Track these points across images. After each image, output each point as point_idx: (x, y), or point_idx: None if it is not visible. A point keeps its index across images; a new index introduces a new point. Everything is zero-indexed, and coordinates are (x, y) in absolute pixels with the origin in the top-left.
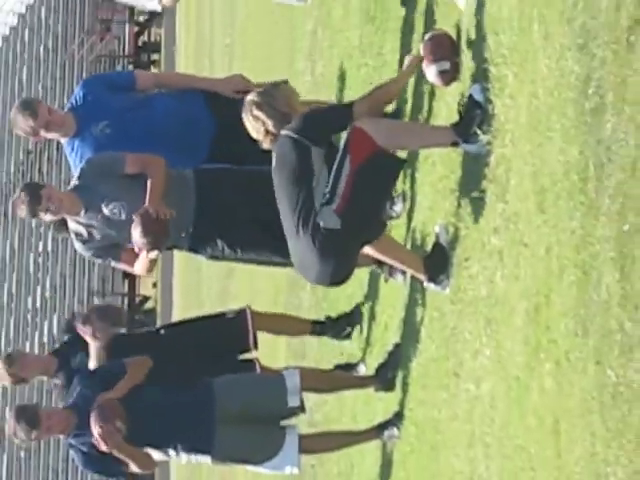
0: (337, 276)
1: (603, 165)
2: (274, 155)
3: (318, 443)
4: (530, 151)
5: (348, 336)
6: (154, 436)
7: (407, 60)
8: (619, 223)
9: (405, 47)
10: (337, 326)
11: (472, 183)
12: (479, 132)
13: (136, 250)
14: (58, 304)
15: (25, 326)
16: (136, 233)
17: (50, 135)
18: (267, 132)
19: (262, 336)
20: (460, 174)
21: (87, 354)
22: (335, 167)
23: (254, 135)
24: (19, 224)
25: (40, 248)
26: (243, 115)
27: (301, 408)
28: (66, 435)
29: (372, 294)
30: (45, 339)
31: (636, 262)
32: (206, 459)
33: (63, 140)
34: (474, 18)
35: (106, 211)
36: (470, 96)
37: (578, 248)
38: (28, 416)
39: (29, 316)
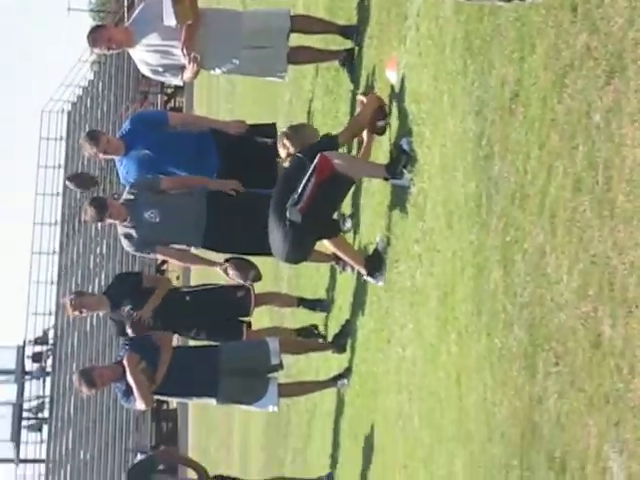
0: (295, 256)
1: (492, 195)
2: (285, 168)
3: (292, 389)
4: (441, 185)
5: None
6: (175, 387)
7: (366, 99)
8: (503, 236)
9: (353, 111)
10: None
11: (400, 207)
12: (405, 171)
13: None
14: None
15: None
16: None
17: (107, 157)
18: (289, 154)
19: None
20: (392, 201)
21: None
22: (305, 180)
23: (282, 154)
24: (83, 235)
25: (98, 251)
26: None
27: (280, 365)
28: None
29: (331, 284)
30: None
31: (515, 264)
32: (212, 401)
33: (116, 158)
34: (402, 91)
35: (145, 216)
36: (400, 145)
37: (475, 253)
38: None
39: None
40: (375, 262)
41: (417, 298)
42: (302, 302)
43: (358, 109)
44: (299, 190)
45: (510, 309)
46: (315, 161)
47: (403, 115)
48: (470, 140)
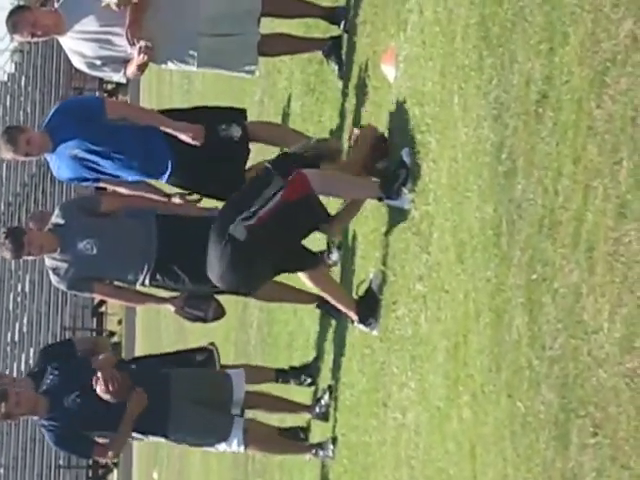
0: (233, 279)
1: (514, 222)
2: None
3: (263, 443)
4: (450, 208)
5: (312, 384)
6: (112, 421)
7: (360, 133)
8: (528, 273)
9: (342, 115)
10: (299, 375)
11: (399, 236)
12: (404, 190)
13: None
14: (34, 338)
15: (5, 357)
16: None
17: (32, 158)
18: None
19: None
20: (389, 227)
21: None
22: (268, 195)
23: None
24: (0, 268)
25: (19, 289)
26: None
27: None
28: (39, 418)
29: (311, 332)
30: (22, 368)
31: (543, 307)
32: (161, 440)
33: (47, 155)
34: (402, 91)
35: (80, 246)
36: (399, 157)
37: (492, 294)
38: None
39: (8, 349)
40: (368, 305)
41: (421, 350)
42: (282, 375)
43: (348, 147)
44: (256, 205)
45: (537, 365)
46: (289, 177)
47: (403, 121)
48: (487, 152)
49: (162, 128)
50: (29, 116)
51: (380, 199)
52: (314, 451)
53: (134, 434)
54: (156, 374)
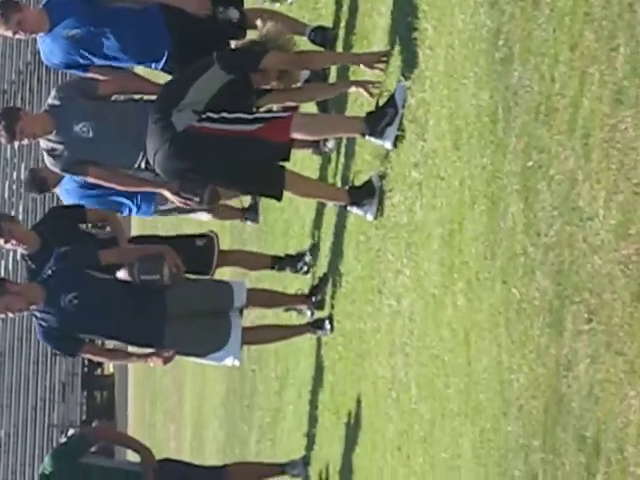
0: (167, 170)
1: (510, 108)
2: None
3: (258, 334)
4: (447, 95)
5: (307, 272)
6: (107, 327)
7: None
8: (524, 160)
9: (337, 1)
10: (295, 262)
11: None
12: (389, 129)
13: None
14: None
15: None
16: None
17: (23, 36)
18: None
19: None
20: None
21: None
22: (243, 115)
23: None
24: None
25: (15, 177)
26: None
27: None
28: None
29: (306, 220)
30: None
31: (538, 194)
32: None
33: (38, 36)
34: None
35: (76, 129)
36: (392, 94)
37: (488, 181)
38: None
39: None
40: (365, 190)
41: (416, 237)
42: (279, 262)
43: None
44: (227, 112)
45: (532, 251)
46: (277, 113)
47: (399, 8)
48: (483, 39)
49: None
50: None
51: (363, 134)
52: (311, 329)
53: (129, 346)
54: (152, 290)
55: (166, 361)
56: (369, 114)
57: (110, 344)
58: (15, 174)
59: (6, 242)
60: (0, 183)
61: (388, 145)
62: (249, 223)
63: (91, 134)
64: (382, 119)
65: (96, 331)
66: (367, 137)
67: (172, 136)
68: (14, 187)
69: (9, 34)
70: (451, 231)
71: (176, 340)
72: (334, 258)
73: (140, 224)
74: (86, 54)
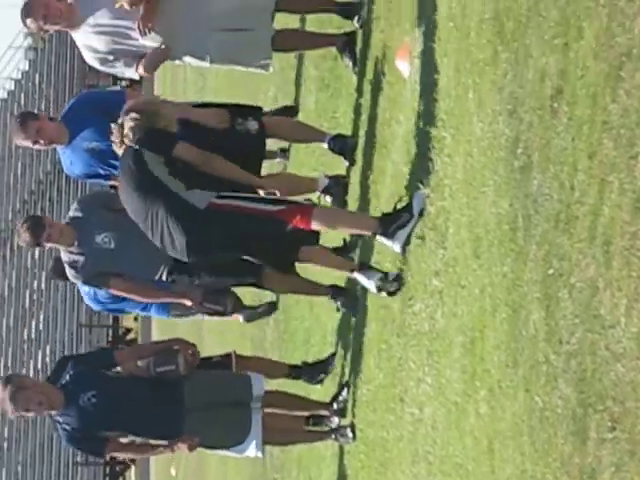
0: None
1: (530, 216)
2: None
3: (278, 434)
4: (466, 203)
5: (321, 382)
6: (127, 422)
7: None
8: (544, 268)
9: (356, 111)
10: (312, 372)
11: (415, 231)
12: (401, 232)
13: None
14: (50, 336)
15: (21, 355)
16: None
17: (42, 147)
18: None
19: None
20: None
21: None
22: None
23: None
24: (17, 264)
25: (35, 286)
26: None
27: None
28: (55, 412)
29: (327, 328)
30: (39, 366)
31: (560, 302)
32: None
33: (58, 147)
34: (417, 86)
35: (98, 239)
36: (410, 200)
37: (509, 289)
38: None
39: (25, 346)
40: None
41: (437, 345)
42: (295, 371)
43: None
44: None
45: (554, 359)
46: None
47: (417, 116)
48: (502, 147)
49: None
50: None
51: (375, 234)
52: (333, 437)
53: (149, 439)
54: (169, 382)
55: (191, 448)
56: (384, 215)
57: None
58: (36, 283)
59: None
60: (22, 288)
61: (397, 248)
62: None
63: (113, 245)
64: (395, 221)
65: (116, 427)
66: (378, 236)
67: (195, 215)
68: (34, 297)
69: (29, 144)
70: (473, 339)
71: (196, 433)
72: (355, 366)
73: (161, 325)
74: (106, 166)
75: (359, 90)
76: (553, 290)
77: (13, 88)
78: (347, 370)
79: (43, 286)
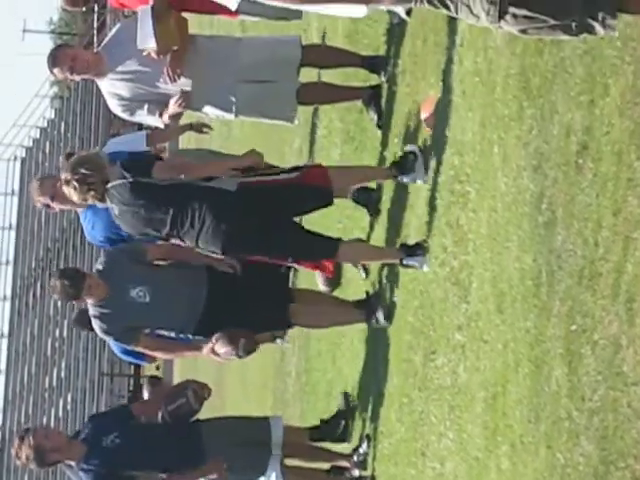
0: (219, 237)
1: (554, 272)
2: None
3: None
4: (490, 258)
5: (344, 433)
6: (149, 462)
7: None
8: (568, 324)
9: (381, 164)
10: (332, 427)
11: (438, 285)
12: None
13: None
14: (72, 384)
15: (42, 403)
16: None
17: (63, 207)
18: None
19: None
20: (428, 277)
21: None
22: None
23: None
24: (39, 312)
25: (57, 334)
26: None
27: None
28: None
29: (349, 380)
30: (60, 414)
31: (582, 358)
32: None
33: (79, 210)
34: (441, 140)
35: (132, 293)
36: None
37: (532, 345)
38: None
39: (46, 394)
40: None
41: (459, 400)
42: (315, 433)
43: None
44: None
45: (576, 416)
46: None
47: (442, 171)
48: (526, 203)
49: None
50: None
51: (401, 260)
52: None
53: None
54: (187, 428)
55: (221, 473)
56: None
57: None
58: (58, 331)
59: None
60: (44, 336)
61: (423, 266)
62: (278, 342)
63: (147, 299)
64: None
65: (139, 467)
66: (405, 259)
67: (230, 197)
68: (56, 345)
69: (47, 201)
70: (495, 394)
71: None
72: (377, 419)
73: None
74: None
75: (384, 143)
76: (576, 346)
77: (38, 136)
78: (368, 423)
79: (65, 334)
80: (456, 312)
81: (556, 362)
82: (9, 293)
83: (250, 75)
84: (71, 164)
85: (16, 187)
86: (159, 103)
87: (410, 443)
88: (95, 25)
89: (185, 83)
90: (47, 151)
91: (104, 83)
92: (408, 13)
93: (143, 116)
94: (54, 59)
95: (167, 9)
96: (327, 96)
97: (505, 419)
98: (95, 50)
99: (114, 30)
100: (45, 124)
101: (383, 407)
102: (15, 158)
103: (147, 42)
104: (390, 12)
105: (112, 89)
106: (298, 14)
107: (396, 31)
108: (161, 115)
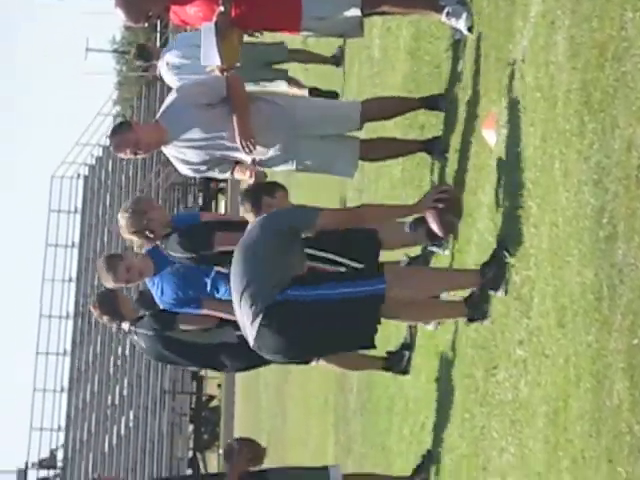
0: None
1: (615, 286)
2: None
3: None
4: (551, 273)
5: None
6: None
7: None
8: (629, 338)
9: (442, 180)
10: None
11: (500, 300)
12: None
13: None
14: (134, 401)
15: (105, 420)
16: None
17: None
18: None
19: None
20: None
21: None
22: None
23: None
24: (101, 331)
25: (119, 352)
26: None
27: None
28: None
29: (410, 397)
30: (122, 432)
31: None
32: None
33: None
34: (503, 155)
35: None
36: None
37: (593, 359)
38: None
39: (108, 411)
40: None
41: (520, 415)
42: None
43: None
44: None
45: (638, 430)
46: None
47: (503, 185)
48: (587, 217)
49: None
50: (130, 180)
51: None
52: None
53: None
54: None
55: None
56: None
57: None
58: (120, 349)
59: None
60: (106, 354)
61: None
62: None
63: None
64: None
65: None
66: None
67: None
68: (118, 363)
69: (122, 285)
70: (556, 409)
71: None
72: (438, 435)
73: (245, 406)
74: (195, 287)
75: (445, 159)
76: (638, 360)
77: (101, 154)
78: (429, 439)
79: (127, 352)
80: (517, 327)
81: (617, 376)
82: (72, 311)
83: (309, 130)
84: None
85: (79, 205)
86: (230, 162)
87: (471, 458)
88: (158, 43)
89: (262, 151)
90: (110, 169)
91: (168, 149)
92: (470, 29)
93: (214, 173)
94: (117, 147)
95: (230, 26)
96: (389, 151)
97: (566, 434)
98: (155, 122)
99: (170, 99)
100: (86, 171)
101: (444, 423)
102: (78, 176)
103: (211, 59)
104: (452, 28)
105: (180, 155)
106: (360, 32)
107: (457, 47)
108: (233, 172)
